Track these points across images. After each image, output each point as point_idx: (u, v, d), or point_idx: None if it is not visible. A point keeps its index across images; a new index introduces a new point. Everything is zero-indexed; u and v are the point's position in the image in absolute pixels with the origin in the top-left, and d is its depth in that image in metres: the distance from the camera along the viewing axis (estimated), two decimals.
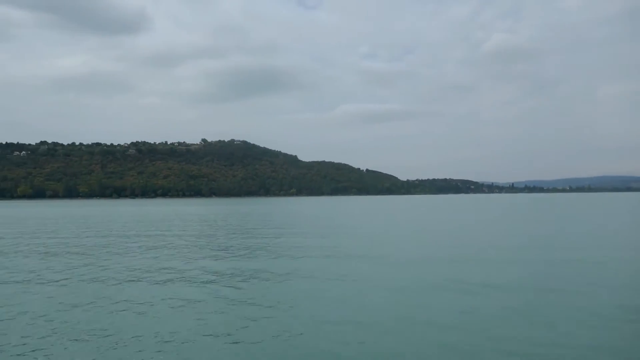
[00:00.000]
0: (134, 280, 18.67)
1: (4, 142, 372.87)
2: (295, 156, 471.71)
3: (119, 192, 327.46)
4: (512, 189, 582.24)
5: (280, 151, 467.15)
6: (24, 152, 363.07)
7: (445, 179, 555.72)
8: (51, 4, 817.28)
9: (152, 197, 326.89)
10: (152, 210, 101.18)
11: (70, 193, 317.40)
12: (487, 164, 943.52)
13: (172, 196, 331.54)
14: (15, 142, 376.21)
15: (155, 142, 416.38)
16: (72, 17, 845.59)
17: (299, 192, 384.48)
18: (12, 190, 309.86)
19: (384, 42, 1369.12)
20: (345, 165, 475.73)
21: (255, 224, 53.39)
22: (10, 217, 79.02)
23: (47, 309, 14.24)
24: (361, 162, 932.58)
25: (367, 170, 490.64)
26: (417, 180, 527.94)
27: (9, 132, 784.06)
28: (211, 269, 21.05)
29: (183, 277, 19.17)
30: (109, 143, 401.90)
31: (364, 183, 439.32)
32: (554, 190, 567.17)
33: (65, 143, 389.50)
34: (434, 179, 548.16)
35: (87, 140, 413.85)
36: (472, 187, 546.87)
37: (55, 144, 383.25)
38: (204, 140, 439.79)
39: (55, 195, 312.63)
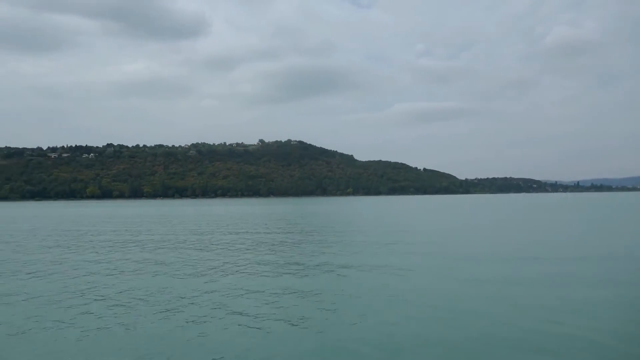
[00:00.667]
0: (232, 274, 19.78)
1: (74, 145, 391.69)
2: (352, 156, 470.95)
3: (180, 193, 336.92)
4: (577, 187, 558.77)
5: (336, 151, 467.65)
6: (92, 154, 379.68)
7: (506, 178, 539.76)
8: (117, 12, 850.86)
9: (212, 197, 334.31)
10: (230, 210, 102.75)
11: (135, 193, 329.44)
12: (550, 162, 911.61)
13: (231, 196, 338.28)
14: (84, 145, 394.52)
15: (214, 143, 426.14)
16: (136, 24, 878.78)
17: (356, 192, 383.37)
18: (82, 191, 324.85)
19: (439, 39, 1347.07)
20: (402, 164, 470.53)
21: (324, 222, 53.72)
22: (104, 216, 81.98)
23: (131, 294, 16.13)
24: (418, 161, 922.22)
25: (424, 169, 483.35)
26: (475, 179, 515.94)
27: (78, 136, 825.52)
28: (303, 263, 21.74)
29: (275, 272, 19.90)
30: (170, 145, 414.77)
31: (421, 182, 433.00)
32: (623, 189, 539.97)
33: (130, 145, 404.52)
34: (493, 178, 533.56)
35: (150, 142, 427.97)
36: (535, 185, 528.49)
37: (120, 146, 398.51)
38: (261, 140, 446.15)
39: (121, 196, 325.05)
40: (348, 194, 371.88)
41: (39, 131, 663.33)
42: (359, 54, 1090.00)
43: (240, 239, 34.76)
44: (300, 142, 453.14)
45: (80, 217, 77.13)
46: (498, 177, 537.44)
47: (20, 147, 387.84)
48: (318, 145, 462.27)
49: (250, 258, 24.21)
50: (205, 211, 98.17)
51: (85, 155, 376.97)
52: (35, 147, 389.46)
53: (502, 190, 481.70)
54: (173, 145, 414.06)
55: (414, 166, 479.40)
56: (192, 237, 36.90)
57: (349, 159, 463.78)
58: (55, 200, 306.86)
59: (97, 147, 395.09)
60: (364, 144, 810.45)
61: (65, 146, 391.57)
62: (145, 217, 73.61)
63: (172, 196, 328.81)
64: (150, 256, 25.82)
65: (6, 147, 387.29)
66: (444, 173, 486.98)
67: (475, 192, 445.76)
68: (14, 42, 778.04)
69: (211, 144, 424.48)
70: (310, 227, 46.44)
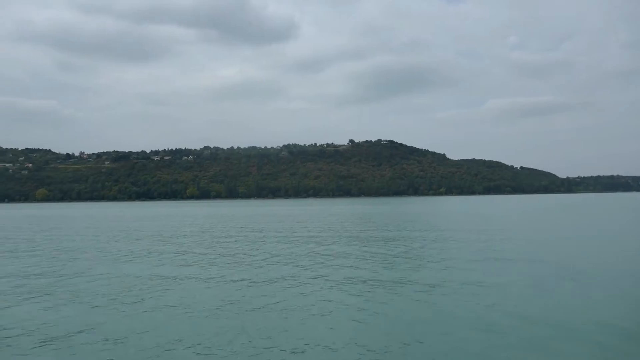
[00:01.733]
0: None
1: (174, 148, 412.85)
2: (444, 154, 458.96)
3: (274, 193, 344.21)
4: None
5: (427, 150, 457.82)
6: (190, 156, 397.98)
7: (612, 176, 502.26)
8: (212, 20, 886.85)
9: (304, 197, 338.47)
10: (343, 210, 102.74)
11: (231, 194, 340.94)
12: None
13: (322, 196, 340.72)
14: (183, 147, 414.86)
15: (305, 144, 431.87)
16: (230, 31, 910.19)
17: (449, 192, 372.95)
18: (182, 192, 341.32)
19: (534, 31, 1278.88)
20: (497, 162, 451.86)
21: (423, 222, 51.61)
22: (224, 216, 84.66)
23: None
24: (514, 159, 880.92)
25: (521, 167, 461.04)
26: (578, 177, 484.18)
27: (178, 139, 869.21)
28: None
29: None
30: (263, 146, 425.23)
31: (518, 181, 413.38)
32: None
33: (225, 147, 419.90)
34: (597, 176, 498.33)
35: (244, 144, 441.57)
36: None
37: (216, 148, 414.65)
38: (351, 141, 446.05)
39: (218, 196, 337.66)
40: (441, 194, 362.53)
41: (143, 136, 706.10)
42: (449, 49, 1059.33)
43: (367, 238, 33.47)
44: (391, 142, 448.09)
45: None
46: (603, 175, 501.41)
47: (127, 151, 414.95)
48: (409, 144, 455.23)
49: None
50: (323, 211, 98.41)
51: (184, 158, 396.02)
52: (139, 150, 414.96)
53: (608, 189, 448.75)
54: (265, 147, 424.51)
55: (509, 164, 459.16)
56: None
57: (441, 157, 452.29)
58: (158, 200, 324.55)
59: (195, 149, 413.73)
60: (456, 142, 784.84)
61: (167, 149, 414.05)
62: (271, 216, 74.96)
63: (266, 196, 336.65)
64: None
65: (114, 152, 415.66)
66: (542, 171, 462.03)
67: (578, 191, 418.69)
68: (119, 53, 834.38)
69: (302, 144, 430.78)
70: (419, 228, 44.39)
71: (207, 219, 70.62)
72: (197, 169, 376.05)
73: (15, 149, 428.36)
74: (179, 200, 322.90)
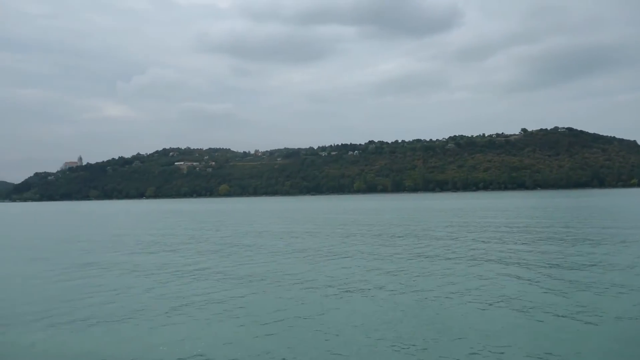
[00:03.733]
0: None
1: (340, 144, 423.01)
2: (634, 141, 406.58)
3: (441, 186, 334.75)
4: None
5: (614, 137, 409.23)
6: (356, 151, 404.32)
7: None
8: (372, 16, 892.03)
9: (473, 190, 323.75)
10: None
11: (398, 187, 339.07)
12: None
13: (493, 189, 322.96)
14: (349, 143, 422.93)
15: (472, 135, 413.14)
16: (390, 25, 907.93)
17: None
18: (349, 186, 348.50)
19: None
20: None
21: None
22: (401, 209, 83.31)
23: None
24: None
25: None
26: None
27: (343, 135, 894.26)
28: None
29: None
30: (428, 139, 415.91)
31: None
32: None
33: (389, 141, 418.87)
34: None
35: (408, 137, 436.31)
36: None
37: (381, 142, 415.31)
38: (523, 129, 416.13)
39: (384, 190, 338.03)
40: (632, 185, 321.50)
41: (310, 132, 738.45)
42: (634, 25, 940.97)
43: None
44: (569, 129, 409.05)
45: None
46: None
47: (296, 147, 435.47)
48: (590, 131, 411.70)
49: None
50: (496, 205, 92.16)
51: (350, 153, 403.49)
52: (308, 147, 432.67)
53: None
54: (430, 139, 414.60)
55: None
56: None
57: (631, 145, 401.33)
58: (326, 194, 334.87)
59: (360, 144, 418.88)
60: None
61: (333, 145, 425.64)
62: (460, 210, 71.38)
63: (433, 190, 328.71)
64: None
65: (285, 149, 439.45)
66: None
67: None
68: (287, 56, 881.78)
69: (469, 135, 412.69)
70: None
71: (383, 213, 68.64)
72: (363, 164, 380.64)
73: (200, 149, 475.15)
74: (346, 194, 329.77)
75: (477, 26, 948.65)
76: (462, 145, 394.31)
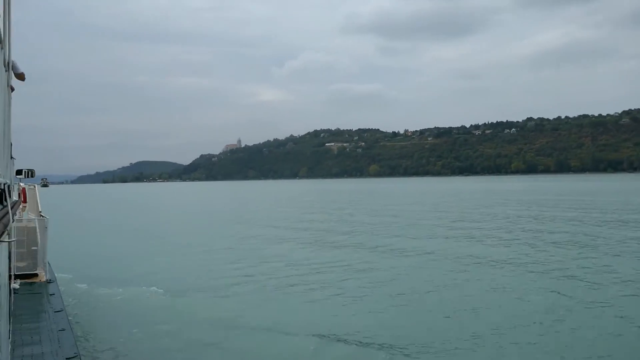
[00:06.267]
0: None
1: (495, 122, 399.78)
2: None
3: (613, 166, 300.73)
4: None
5: None
6: (513, 129, 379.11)
7: None
8: None
9: None
10: None
11: (561, 167, 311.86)
12: None
13: None
14: (505, 120, 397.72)
15: None
16: None
17: None
18: (506, 166, 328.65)
19: None
20: None
21: None
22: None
23: None
24: None
25: None
26: None
27: (498, 112, 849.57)
28: None
29: None
30: (596, 114, 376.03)
31: None
32: None
33: (550, 118, 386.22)
34: None
35: (573, 113, 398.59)
36: None
37: (541, 119, 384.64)
38: None
39: (546, 170, 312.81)
40: None
41: (462, 110, 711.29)
42: None
43: None
44: None
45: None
46: None
47: (447, 126, 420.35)
48: None
49: None
50: None
51: (506, 131, 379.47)
52: (459, 125, 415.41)
53: None
54: (600, 114, 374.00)
55: None
56: None
57: None
58: (481, 175, 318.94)
59: (517, 121, 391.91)
60: None
61: (487, 122, 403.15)
62: None
63: (604, 170, 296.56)
64: None
65: (435, 128, 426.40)
66: None
67: None
68: (435, 31, 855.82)
69: None
70: None
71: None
72: (521, 142, 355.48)
73: (350, 129, 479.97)
74: (502, 175, 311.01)
75: None
76: (639, 120, 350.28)
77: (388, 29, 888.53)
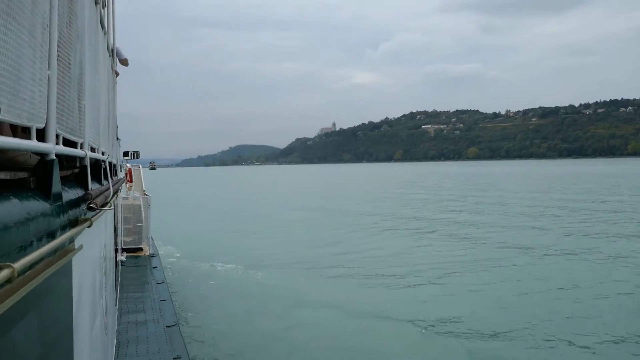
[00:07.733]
0: None
1: (608, 100, 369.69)
2: None
3: None
4: None
5: None
6: (629, 107, 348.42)
7: None
8: None
9: None
10: None
11: None
12: None
13: None
14: (619, 98, 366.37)
15: None
16: None
17: None
18: (621, 148, 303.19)
19: None
20: None
21: None
22: None
23: None
24: None
25: None
26: None
27: (611, 90, 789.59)
28: None
29: None
30: None
31: None
32: None
33: None
34: None
35: None
36: None
37: None
38: None
39: None
40: None
41: (570, 89, 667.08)
42: None
43: None
44: None
45: None
46: None
47: (553, 106, 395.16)
48: None
49: None
50: None
51: (622, 109, 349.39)
52: (567, 105, 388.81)
53: None
54: None
55: None
56: None
57: None
58: (592, 157, 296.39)
59: (635, 99, 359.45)
60: None
61: (599, 101, 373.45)
62: None
63: None
64: None
65: (540, 108, 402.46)
66: None
67: None
68: (538, 6, 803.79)
69: None
70: None
71: None
72: (639, 121, 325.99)
73: (447, 111, 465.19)
74: (617, 157, 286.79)
75: None
76: None
77: (489, 6, 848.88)
